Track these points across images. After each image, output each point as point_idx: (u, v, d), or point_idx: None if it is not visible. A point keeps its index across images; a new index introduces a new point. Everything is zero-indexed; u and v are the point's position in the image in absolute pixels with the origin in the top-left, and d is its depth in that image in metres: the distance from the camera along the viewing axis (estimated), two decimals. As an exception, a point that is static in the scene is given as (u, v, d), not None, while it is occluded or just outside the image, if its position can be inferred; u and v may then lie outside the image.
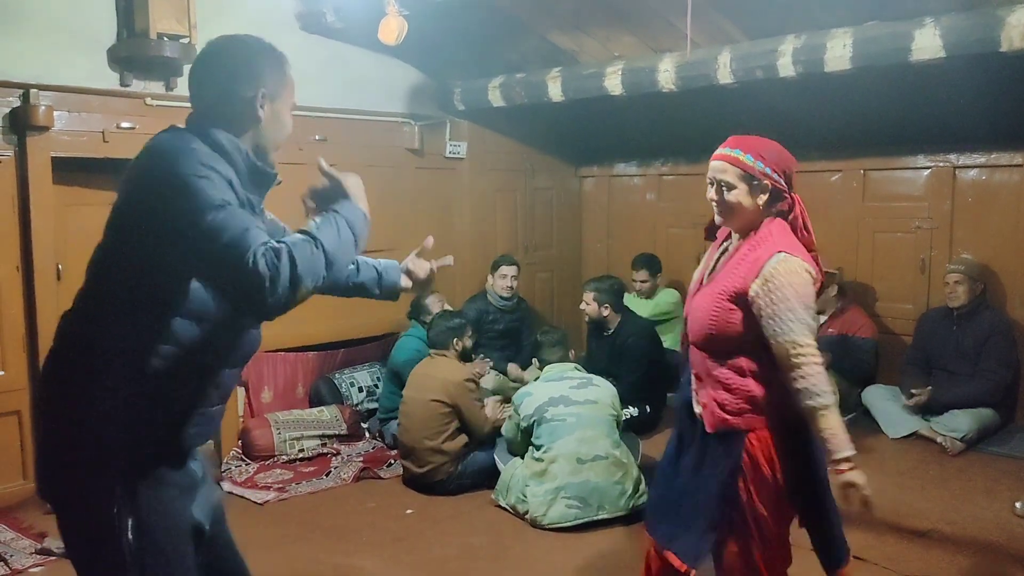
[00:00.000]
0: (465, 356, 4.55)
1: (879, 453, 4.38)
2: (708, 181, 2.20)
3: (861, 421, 4.81)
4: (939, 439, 4.42)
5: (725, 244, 2.34)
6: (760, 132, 2.21)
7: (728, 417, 2.18)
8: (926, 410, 4.61)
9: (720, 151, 2.18)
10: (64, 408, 1.73)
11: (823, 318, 5.16)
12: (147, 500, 1.71)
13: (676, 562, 2.27)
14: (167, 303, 1.69)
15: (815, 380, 2.05)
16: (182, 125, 1.80)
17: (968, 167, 4.93)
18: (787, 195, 2.18)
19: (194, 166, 1.61)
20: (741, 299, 2.14)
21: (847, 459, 2.05)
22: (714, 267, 2.33)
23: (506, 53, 5.50)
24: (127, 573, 1.73)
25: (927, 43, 3.66)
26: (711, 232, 2.40)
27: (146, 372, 1.68)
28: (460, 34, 5.21)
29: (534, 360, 4.58)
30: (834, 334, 5.02)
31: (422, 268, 2.25)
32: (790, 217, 2.19)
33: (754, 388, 2.16)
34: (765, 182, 2.14)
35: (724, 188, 2.16)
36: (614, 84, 4.85)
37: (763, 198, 2.15)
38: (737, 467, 2.17)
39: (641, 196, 6.45)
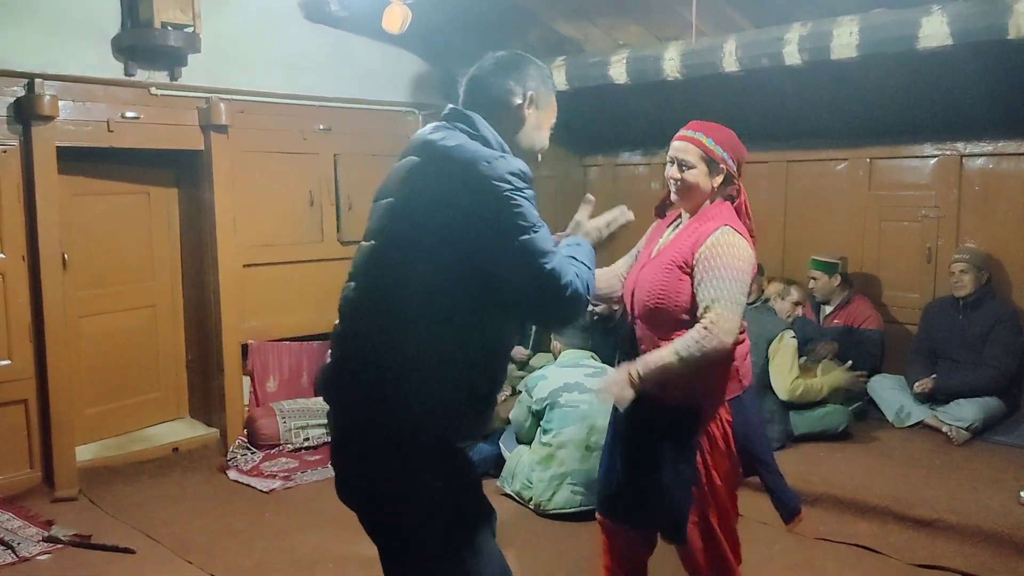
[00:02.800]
0: None
1: (885, 443, 4.37)
2: (668, 160, 2.34)
3: (867, 411, 4.80)
4: (945, 428, 4.41)
5: (676, 222, 2.44)
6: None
7: (679, 393, 2.24)
8: (932, 400, 4.60)
9: (683, 132, 2.33)
10: (388, 410, 1.73)
11: (828, 309, 5.15)
12: (464, 484, 1.80)
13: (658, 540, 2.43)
14: (483, 300, 1.72)
15: (689, 340, 2.15)
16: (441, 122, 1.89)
17: (975, 155, 4.90)
18: (736, 181, 2.35)
19: (510, 179, 1.70)
20: (688, 268, 2.25)
21: (640, 375, 2.17)
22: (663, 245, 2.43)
23: (511, 42, 5.47)
24: (457, 556, 1.76)
25: (934, 30, 3.64)
26: (661, 210, 2.52)
27: (467, 368, 1.73)
28: (464, 23, 5.19)
29: (554, 344, 4.52)
30: (840, 326, 5.01)
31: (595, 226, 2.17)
32: (736, 203, 2.35)
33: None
34: (721, 166, 2.30)
35: (684, 167, 2.30)
36: (619, 73, 4.82)
37: (718, 180, 2.31)
38: (695, 441, 2.27)
39: (646, 185, 6.42)
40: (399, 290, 1.72)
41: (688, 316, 2.24)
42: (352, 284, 1.80)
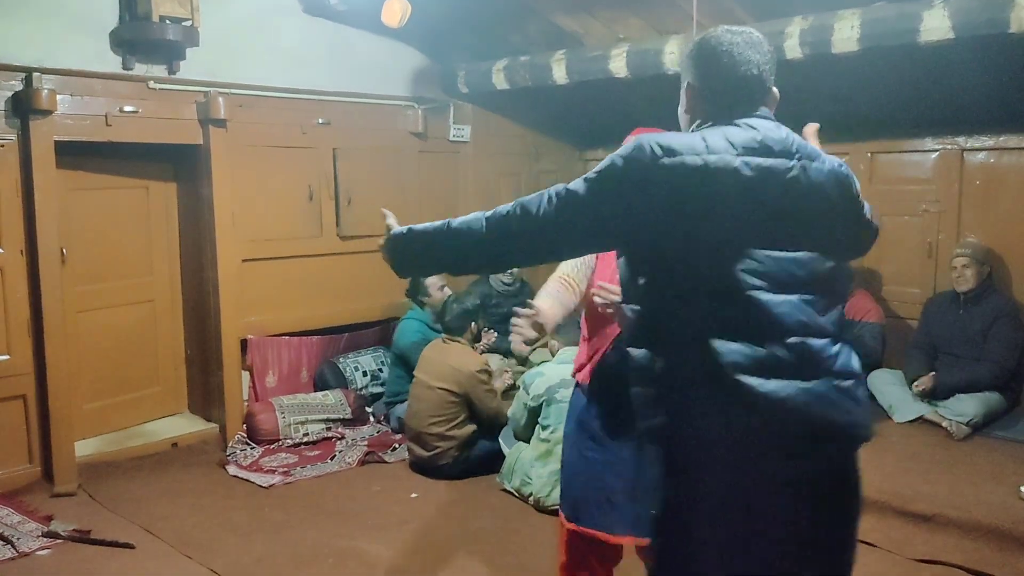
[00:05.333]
0: (477, 339, 4.53)
1: (884, 437, 4.36)
2: None
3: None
4: (945, 424, 4.40)
5: None
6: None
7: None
8: (932, 395, 4.59)
9: None
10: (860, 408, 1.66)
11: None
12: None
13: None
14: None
15: None
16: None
17: (976, 150, 4.88)
18: None
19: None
20: None
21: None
22: None
23: (510, 36, 5.46)
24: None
25: (936, 24, 3.62)
26: None
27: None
28: (464, 16, 5.17)
29: (550, 340, 4.52)
30: (840, 319, 5.00)
31: None
32: None
33: None
34: None
35: None
36: (619, 67, 4.81)
37: None
38: None
39: (646, 180, 6.42)
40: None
41: None
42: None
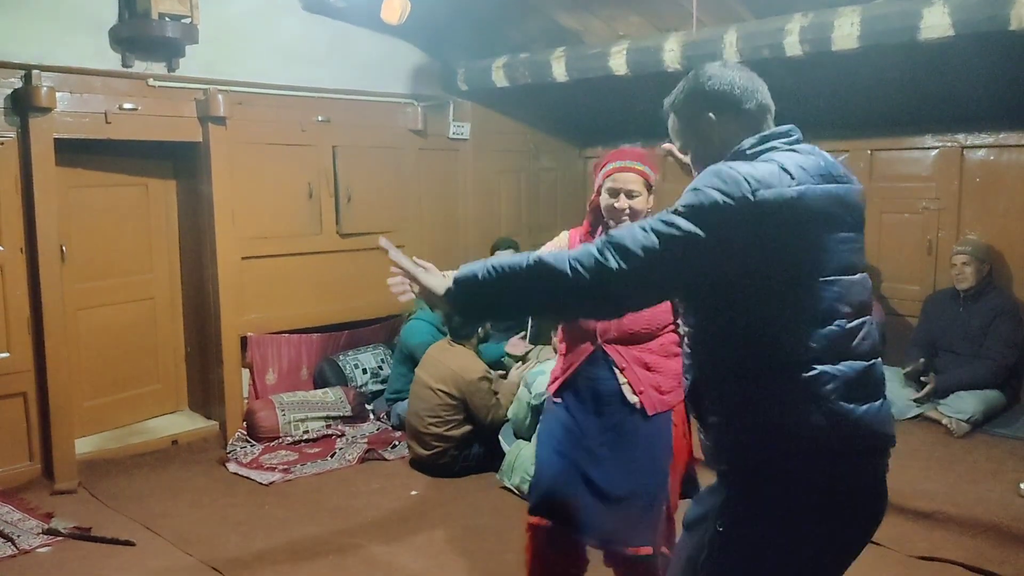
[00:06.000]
0: (484, 340, 4.52)
1: (884, 434, 4.37)
2: (613, 192, 2.51)
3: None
4: (944, 421, 4.41)
5: None
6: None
7: (665, 397, 2.48)
8: (932, 392, 4.60)
9: (627, 165, 2.53)
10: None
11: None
12: None
13: (640, 551, 2.46)
14: None
15: None
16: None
17: (976, 147, 4.89)
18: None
19: None
20: None
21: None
22: None
23: (510, 33, 5.46)
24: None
25: (936, 21, 3.62)
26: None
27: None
28: (464, 14, 5.17)
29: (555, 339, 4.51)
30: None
31: None
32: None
33: (677, 364, 2.32)
34: (653, 186, 2.56)
35: (631, 196, 2.50)
36: (619, 64, 4.81)
37: (651, 199, 2.56)
38: (670, 441, 2.50)
39: (646, 177, 6.42)
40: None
41: (667, 323, 2.50)
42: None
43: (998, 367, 4.50)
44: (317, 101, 5.10)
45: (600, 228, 2.60)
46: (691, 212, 1.54)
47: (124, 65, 4.35)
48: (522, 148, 6.31)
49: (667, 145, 2.12)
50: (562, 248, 2.57)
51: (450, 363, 4.23)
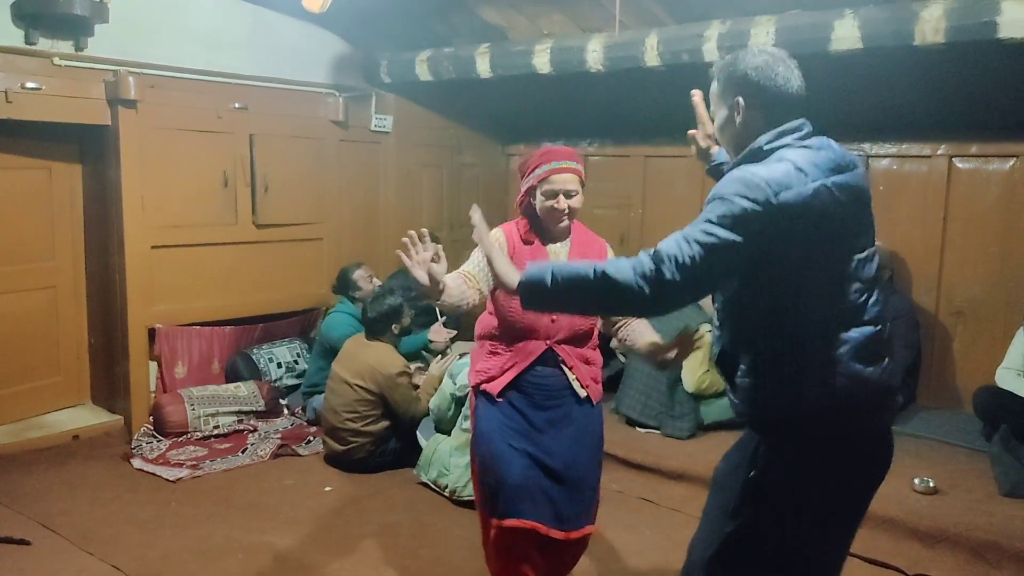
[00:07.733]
0: (405, 332, 4.47)
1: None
2: (551, 193, 2.51)
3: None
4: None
5: (549, 247, 2.63)
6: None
7: (599, 387, 2.67)
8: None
9: (566, 165, 2.53)
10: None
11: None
12: None
13: (588, 531, 2.65)
14: None
15: None
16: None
17: (880, 156, 5.10)
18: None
19: None
20: None
21: None
22: None
23: (435, 26, 5.42)
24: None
25: (846, 33, 3.76)
26: (534, 237, 2.65)
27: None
28: (388, 4, 5.11)
29: None
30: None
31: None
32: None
33: (599, 358, 2.69)
34: (585, 183, 2.60)
35: (570, 195, 2.52)
36: (543, 62, 4.83)
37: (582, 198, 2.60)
38: (602, 426, 2.73)
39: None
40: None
41: (592, 327, 2.62)
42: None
43: (896, 367, 4.70)
44: (235, 87, 4.97)
45: (534, 231, 2.64)
46: (725, 221, 1.72)
47: (27, 42, 4.15)
48: (445, 143, 6.29)
49: (697, 97, 2.24)
50: (500, 245, 2.55)
51: (367, 358, 4.18)
